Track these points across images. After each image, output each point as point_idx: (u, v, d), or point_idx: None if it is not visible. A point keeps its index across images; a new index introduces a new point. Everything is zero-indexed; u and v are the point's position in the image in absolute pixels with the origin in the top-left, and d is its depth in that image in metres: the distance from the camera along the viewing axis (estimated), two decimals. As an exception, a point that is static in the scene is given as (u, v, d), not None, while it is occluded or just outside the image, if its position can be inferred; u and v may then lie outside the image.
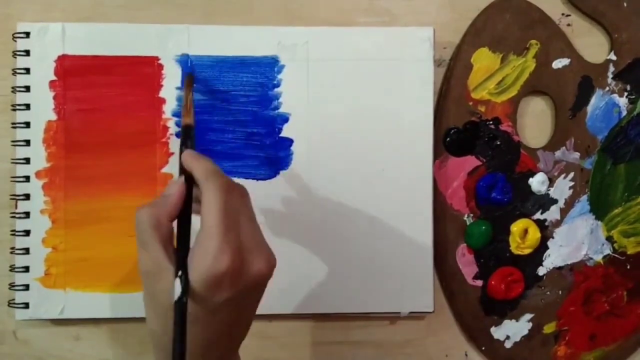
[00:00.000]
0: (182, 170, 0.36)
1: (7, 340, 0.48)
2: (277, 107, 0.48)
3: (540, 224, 0.50)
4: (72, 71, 0.47)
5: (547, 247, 0.50)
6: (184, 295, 0.31)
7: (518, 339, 0.50)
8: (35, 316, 0.46)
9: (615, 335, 0.51)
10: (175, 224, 0.35)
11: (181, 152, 0.37)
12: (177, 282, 0.31)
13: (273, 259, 0.35)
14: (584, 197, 0.51)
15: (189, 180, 0.35)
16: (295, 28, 0.48)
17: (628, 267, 0.51)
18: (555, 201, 0.50)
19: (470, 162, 0.50)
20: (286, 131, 0.48)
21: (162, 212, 0.34)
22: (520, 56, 0.49)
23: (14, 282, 0.46)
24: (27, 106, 0.46)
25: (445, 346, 0.51)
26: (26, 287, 0.46)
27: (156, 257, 0.32)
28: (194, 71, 0.47)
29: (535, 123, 0.51)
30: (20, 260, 0.46)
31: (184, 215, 0.35)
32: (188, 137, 0.39)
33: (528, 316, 0.50)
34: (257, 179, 0.48)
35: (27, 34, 0.46)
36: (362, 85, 0.48)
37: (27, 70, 0.46)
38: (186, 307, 0.31)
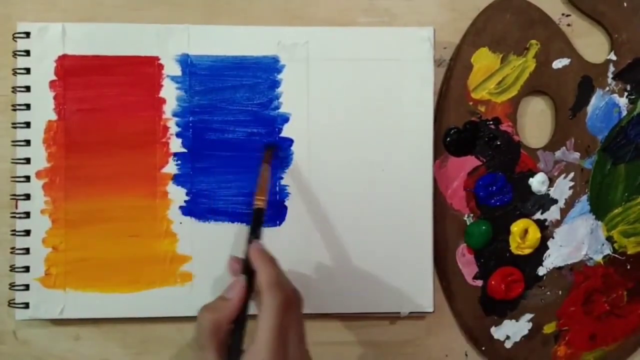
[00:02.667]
0: (245, 262, 0.38)
1: (7, 340, 0.48)
2: (277, 107, 0.48)
3: (540, 224, 0.50)
4: (72, 71, 0.47)
5: (547, 247, 0.50)
6: None
7: (518, 339, 0.50)
8: (35, 316, 0.46)
9: (615, 335, 0.51)
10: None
11: (249, 240, 0.39)
12: None
13: None
14: (584, 197, 0.51)
15: (250, 273, 0.37)
16: (295, 28, 0.48)
17: (628, 267, 0.51)
18: (555, 201, 0.50)
19: (470, 162, 0.50)
20: (286, 131, 0.48)
21: (222, 317, 0.36)
22: (520, 56, 0.49)
23: (14, 282, 0.46)
24: (27, 106, 0.46)
25: (445, 346, 0.51)
26: (26, 287, 0.46)
27: (209, 359, 0.35)
28: (277, 143, 0.47)
29: (535, 123, 0.51)
30: (21, 260, 0.46)
31: (240, 318, 0.37)
32: (258, 223, 0.41)
33: (528, 316, 0.50)
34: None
35: (27, 34, 0.46)
36: (362, 85, 0.48)
37: (27, 70, 0.46)
38: None
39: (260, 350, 0.34)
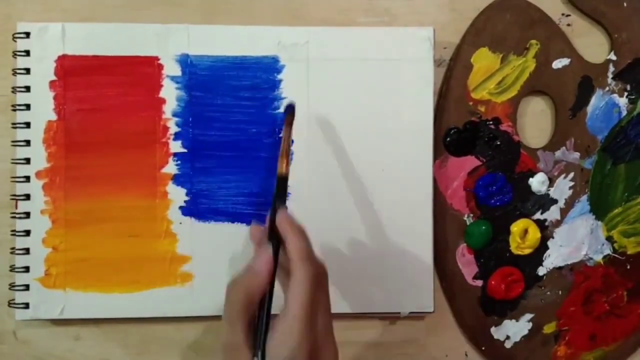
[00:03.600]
0: (272, 229, 0.37)
1: (7, 340, 0.48)
2: (277, 107, 0.48)
3: (540, 224, 0.50)
4: (72, 71, 0.47)
5: (547, 247, 0.50)
6: None
7: (518, 339, 0.50)
8: (35, 316, 0.46)
9: (615, 335, 0.51)
10: None
11: (275, 208, 0.38)
12: None
13: (337, 354, 0.35)
14: (584, 197, 0.51)
15: (276, 242, 0.36)
16: (295, 28, 0.48)
17: (628, 267, 0.51)
18: (555, 201, 0.50)
19: (470, 162, 0.50)
20: (286, 131, 0.48)
21: (253, 291, 0.35)
22: (520, 56, 0.49)
23: (14, 282, 0.46)
24: (27, 106, 0.46)
25: (445, 346, 0.51)
26: (26, 287, 0.46)
27: (239, 336, 0.33)
28: (294, 104, 0.44)
29: (535, 123, 0.51)
30: (21, 261, 0.46)
31: (269, 292, 0.35)
32: (282, 190, 0.39)
33: (528, 316, 0.50)
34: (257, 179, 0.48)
35: (27, 34, 0.46)
36: (362, 85, 0.48)
37: (27, 70, 0.46)
38: None
39: (291, 327, 0.33)
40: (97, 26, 0.47)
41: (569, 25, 0.51)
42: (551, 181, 0.50)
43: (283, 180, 0.39)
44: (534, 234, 0.50)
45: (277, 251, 0.36)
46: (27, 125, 0.46)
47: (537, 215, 0.50)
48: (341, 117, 0.48)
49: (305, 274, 0.34)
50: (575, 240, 0.51)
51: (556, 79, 0.50)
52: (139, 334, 0.49)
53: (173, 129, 0.47)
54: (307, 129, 0.48)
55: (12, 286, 0.46)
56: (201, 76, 0.47)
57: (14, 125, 0.46)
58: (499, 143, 0.50)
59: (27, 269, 0.46)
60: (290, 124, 0.43)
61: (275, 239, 0.36)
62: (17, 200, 0.46)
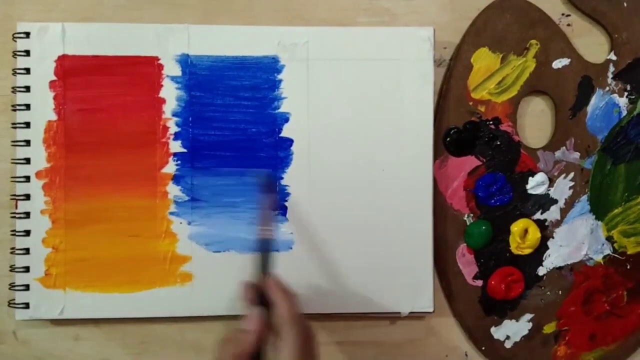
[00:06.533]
0: (259, 292, 0.38)
1: (7, 340, 0.48)
2: (277, 107, 0.48)
3: (540, 224, 0.50)
4: (72, 71, 0.47)
5: (547, 247, 0.50)
6: None
7: (518, 339, 0.50)
8: (35, 316, 0.46)
9: (615, 335, 0.51)
10: None
11: (262, 271, 0.39)
12: None
13: None
14: (584, 197, 0.51)
15: (266, 305, 0.38)
16: (295, 28, 0.48)
17: (628, 267, 0.51)
18: (555, 201, 0.50)
19: (470, 162, 0.50)
20: (286, 131, 0.48)
21: (243, 350, 0.36)
22: (520, 56, 0.49)
23: (14, 282, 0.46)
24: (27, 106, 0.46)
25: (445, 346, 0.51)
26: (26, 287, 0.46)
27: None
28: (273, 174, 0.46)
29: (535, 123, 0.51)
30: (21, 261, 0.46)
31: (259, 351, 0.37)
32: (268, 254, 0.40)
33: (528, 316, 0.50)
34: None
35: (27, 34, 0.46)
36: (362, 85, 0.48)
37: (27, 70, 0.46)
38: None
39: None
40: (97, 26, 0.47)
41: (569, 25, 0.51)
42: (551, 181, 0.50)
43: (265, 244, 0.40)
44: (534, 234, 0.50)
45: (266, 313, 0.38)
46: (27, 125, 0.46)
47: (537, 215, 0.50)
48: (341, 117, 0.48)
49: (294, 337, 0.36)
50: (575, 240, 0.51)
51: (556, 79, 0.50)
52: (138, 334, 0.49)
53: (173, 128, 0.47)
54: (307, 129, 0.48)
55: (12, 286, 0.46)
56: (201, 76, 0.47)
57: (14, 125, 0.46)
58: (499, 143, 0.50)
59: (27, 269, 0.46)
60: (268, 191, 0.44)
61: (265, 303, 0.38)
62: (17, 200, 0.46)
